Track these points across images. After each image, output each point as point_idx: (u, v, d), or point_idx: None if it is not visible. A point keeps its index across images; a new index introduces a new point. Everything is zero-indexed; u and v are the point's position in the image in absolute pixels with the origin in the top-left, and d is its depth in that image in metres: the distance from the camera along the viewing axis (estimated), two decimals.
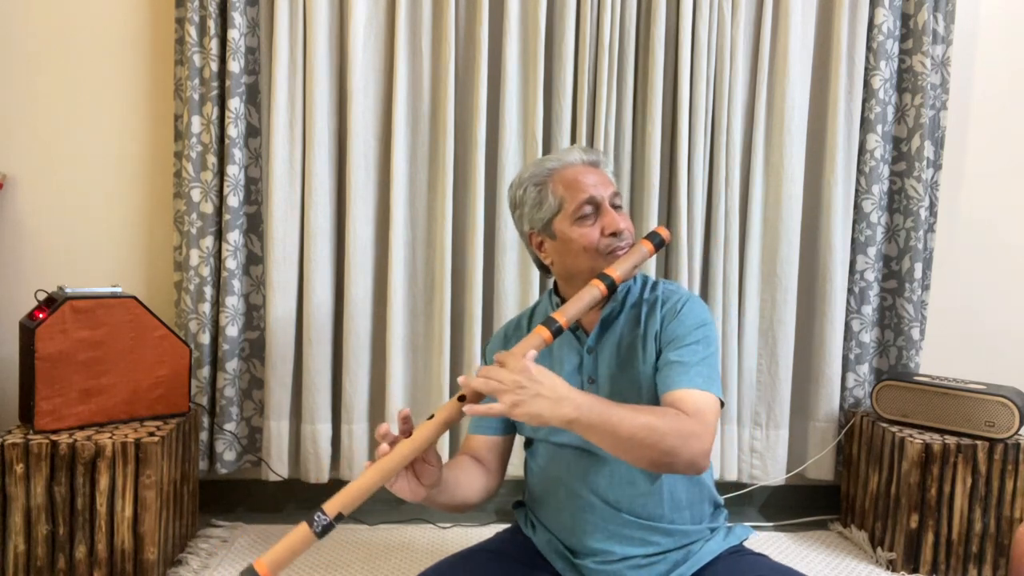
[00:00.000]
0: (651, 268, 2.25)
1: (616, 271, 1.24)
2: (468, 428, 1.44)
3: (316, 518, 1.04)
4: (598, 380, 1.32)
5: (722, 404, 1.24)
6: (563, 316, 1.18)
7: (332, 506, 1.05)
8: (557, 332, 1.17)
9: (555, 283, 1.41)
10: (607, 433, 1.09)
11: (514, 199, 1.38)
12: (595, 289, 1.22)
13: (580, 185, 1.30)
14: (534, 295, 2.22)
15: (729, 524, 1.40)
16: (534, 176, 1.34)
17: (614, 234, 1.28)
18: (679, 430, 1.11)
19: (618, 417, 1.09)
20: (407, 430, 1.10)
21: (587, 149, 1.37)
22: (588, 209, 1.29)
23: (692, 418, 1.15)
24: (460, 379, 1.11)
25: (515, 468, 1.48)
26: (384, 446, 1.08)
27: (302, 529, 1.04)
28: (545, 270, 1.41)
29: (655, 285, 1.37)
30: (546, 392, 1.06)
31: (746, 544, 1.39)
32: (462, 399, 1.11)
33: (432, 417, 1.10)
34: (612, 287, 1.23)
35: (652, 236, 1.31)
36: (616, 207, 1.32)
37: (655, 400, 1.25)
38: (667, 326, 1.29)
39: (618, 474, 1.28)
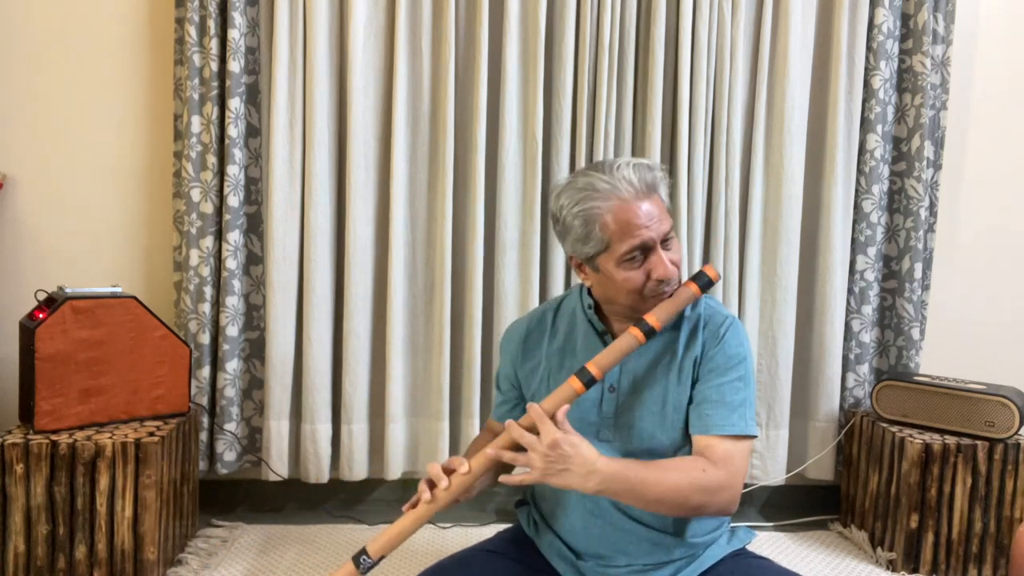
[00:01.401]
0: None
1: (657, 320, 1.20)
2: (492, 415, 1.48)
3: (362, 560, 1.17)
4: (619, 389, 1.30)
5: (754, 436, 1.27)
6: (597, 367, 1.18)
7: (376, 548, 1.18)
8: (589, 383, 1.18)
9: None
10: (635, 498, 1.16)
11: (556, 216, 1.26)
12: (633, 338, 1.20)
13: (631, 229, 1.18)
14: (534, 295, 2.22)
15: (732, 526, 1.40)
16: (583, 211, 1.20)
17: (660, 280, 1.22)
18: (705, 487, 1.17)
19: (643, 484, 1.14)
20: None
21: (640, 166, 1.21)
22: (637, 254, 1.20)
23: (719, 468, 1.18)
24: (488, 451, 1.17)
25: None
26: (426, 493, 1.18)
27: (349, 569, 1.18)
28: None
29: (696, 301, 1.30)
30: (575, 467, 1.12)
31: (748, 547, 1.39)
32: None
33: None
34: (651, 335, 1.20)
35: (698, 276, 1.23)
36: (668, 240, 1.23)
37: (678, 416, 1.26)
38: (708, 351, 1.27)
39: None
